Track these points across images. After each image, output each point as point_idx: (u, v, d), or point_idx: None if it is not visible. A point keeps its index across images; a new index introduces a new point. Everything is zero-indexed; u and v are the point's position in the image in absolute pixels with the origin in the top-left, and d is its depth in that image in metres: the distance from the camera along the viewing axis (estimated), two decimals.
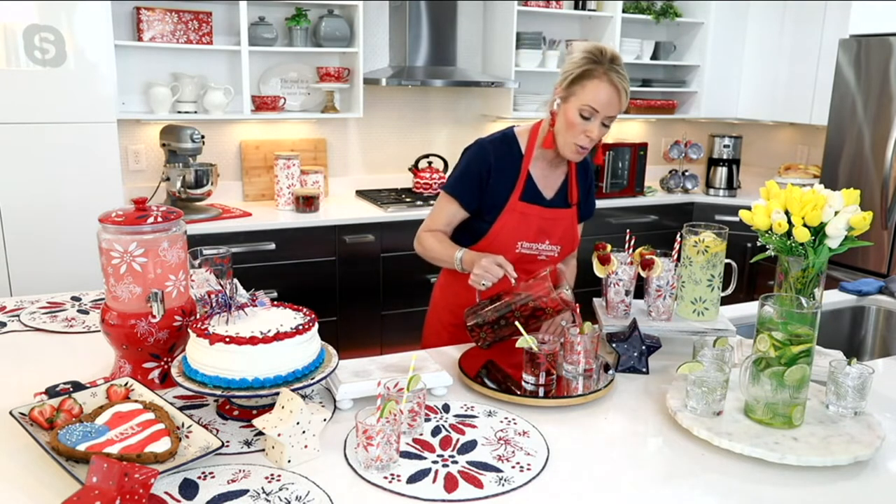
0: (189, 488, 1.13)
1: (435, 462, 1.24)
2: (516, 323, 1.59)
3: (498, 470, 1.22)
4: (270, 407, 1.32)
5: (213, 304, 1.38)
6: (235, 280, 1.91)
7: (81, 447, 1.16)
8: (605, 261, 1.76)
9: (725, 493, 1.19)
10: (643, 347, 1.64)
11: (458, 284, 1.94)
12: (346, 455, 1.26)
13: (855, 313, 2.26)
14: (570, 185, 1.94)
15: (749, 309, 2.04)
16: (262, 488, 1.14)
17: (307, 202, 3.41)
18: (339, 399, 1.42)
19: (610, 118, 1.76)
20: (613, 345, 1.66)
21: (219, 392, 1.29)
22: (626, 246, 1.80)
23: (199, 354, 1.32)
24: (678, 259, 1.75)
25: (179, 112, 3.36)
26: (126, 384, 1.38)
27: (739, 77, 4.30)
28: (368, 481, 1.18)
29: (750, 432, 1.32)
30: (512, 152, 1.89)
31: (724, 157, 4.25)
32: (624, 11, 4.07)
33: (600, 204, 3.93)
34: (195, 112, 3.39)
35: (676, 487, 1.20)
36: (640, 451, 1.32)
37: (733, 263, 1.76)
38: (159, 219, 1.43)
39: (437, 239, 1.90)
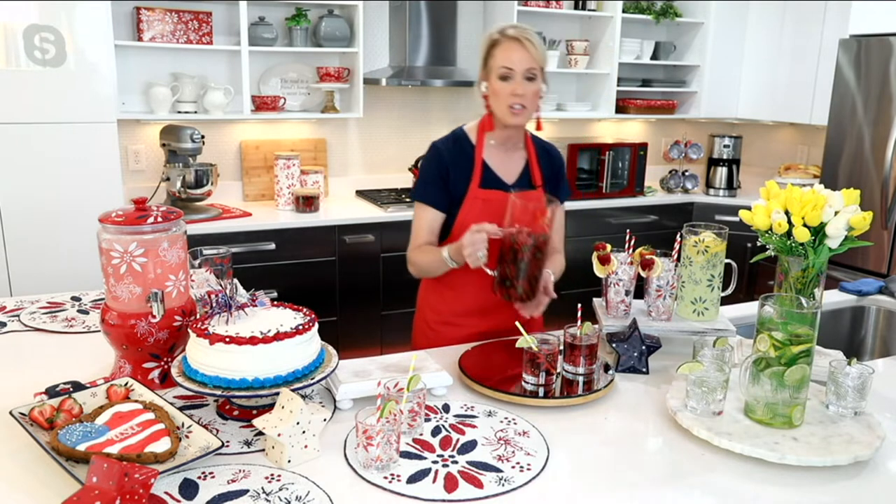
0: (189, 488, 1.14)
1: (435, 462, 1.24)
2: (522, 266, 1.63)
3: (498, 470, 1.22)
4: (270, 407, 1.32)
5: (214, 304, 1.38)
6: (235, 280, 1.91)
7: (81, 447, 1.16)
8: (605, 261, 1.76)
9: (725, 493, 1.19)
10: (643, 347, 1.64)
11: (440, 284, 1.95)
12: (346, 455, 1.26)
13: (855, 313, 2.26)
14: (532, 168, 1.95)
15: (749, 309, 2.04)
16: (262, 488, 1.14)
17: (307, 202, 3.41)
18: (339, 399, 1.42)
19: (530, 70, 1.78)
20: (613, 345, 1.66)
21: (219, 392, 1.29)
22: (626, 246, 1.80)
23: (199, 354, 1.32)
24: (678, 259, 1.75)
25: (179, 112, 3.36)
26: (126, 384, 1.38)
27: (739, 77, 4.30)
28: (368, 481, 1.18)
29: (750, 432, 1.32)
30: (463, 147, 1.92)
31: (724, 157, 4.25)
32: (624, 11, 4.07)
33: (600, 204, 3.94)
34: (195, 112, 3.39)
35: (676, 487, 1.20)
36: (640, 451, 1.32)
37: (733, 263, 1.76)
38: (159, 219, 1.43)
39: (422, 251, 1.89)
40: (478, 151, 1.90)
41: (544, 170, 1.97)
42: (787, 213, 1.49)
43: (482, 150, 1.91)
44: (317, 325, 1.40)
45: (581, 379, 1.55)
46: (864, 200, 1.74)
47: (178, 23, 3.27)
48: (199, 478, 1.17)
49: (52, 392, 1.37)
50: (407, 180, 3.98)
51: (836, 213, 1.46)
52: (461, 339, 1.84)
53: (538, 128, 1.94)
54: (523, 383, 1.52)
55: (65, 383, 1.40)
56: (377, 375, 1.46)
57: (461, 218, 1.88)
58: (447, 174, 1.88)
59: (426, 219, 1.91)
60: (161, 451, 1.16)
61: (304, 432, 1.22)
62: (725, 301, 1.79)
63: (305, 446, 1.22)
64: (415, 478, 1.19)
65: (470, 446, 1.30)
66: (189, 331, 1.35)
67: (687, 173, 4.28)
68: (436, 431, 1.35)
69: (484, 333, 1.87)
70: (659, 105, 4.36)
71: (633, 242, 1.80)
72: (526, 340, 1.50)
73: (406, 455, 1.26)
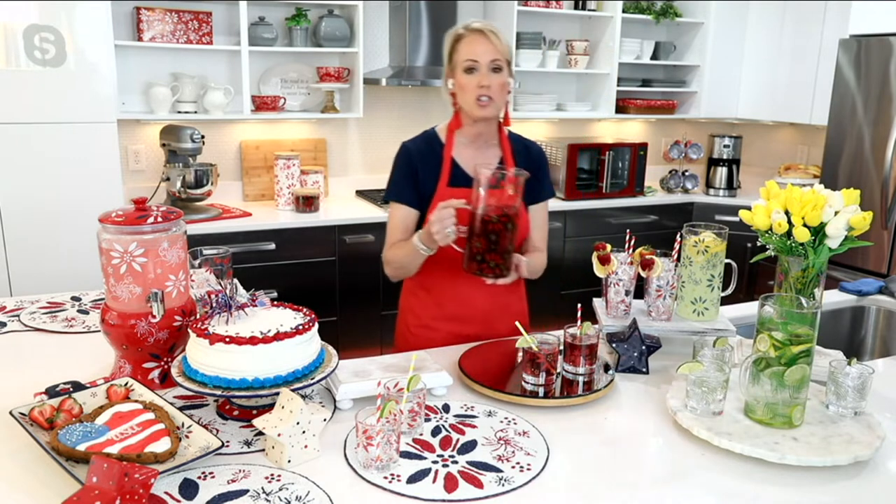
0: (189, 488, 1.14)
1: (435, 462, 1.24)
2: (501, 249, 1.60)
3: (498, 470, 1.22)
4: (270, 407, 1.32)
5: (214, 304, 1.38)
6: (235, 280, 1.91)
7: (81, 447, 1.16)
8: (605, 261, 1.76)
9: (725, 493, 1.19)
10: (643, 347, 1.64)
11: (418, 286, 1.95)
12: (346, 455, 1.26)
13: (855, 313, 2.26)
14: (506, 165, 1.90)
15: (749, 309, 2.04)
16: (262, 488, 1.14)
17: (307, 202, 3.41)
18: (339, 399, 1.41)
19: (495, 62, 1.78)
20: (613, 345, 1.66)
21: (219, 392, 1.29)
22: (626, 246, 1.80)
23: (199, 354, 1.32)
24: (678, 259, 1.75)
25: (179, 112, 3.37)
26: (126, 384, 1.38)
27: (739, 77, 4.30)
28: (368, 481, 1.18)
29: (750, 432, 1.32)
30: (433, 146, 1.90)
31: (724, 157, 4.25)
32: (624, 11, 4.07)
33: (600, 204, 3.94)
34: (195, 112, 3.39)
35: (676, 487, 1.20)
36: (640, 451, 1.32)
37: (733, 263, 1.76)
38: (159, 219, 1.43)
39: (396, 247, 1.87)
40: (447, 150, 1.88)
41: (521, 167, 1.88)
42: (787, 213, 1.49)
43: (451, 148, 1.89)
44: (317, 325, 1.40)
45: (581, 379, 1.55)
46: (864, 200, 1.74)
47: (178, 23, 3.27)
48: (199, 478, 1.17)
49: (52, 392, 1.37)
50: None
51: (836, 213, 1.46)
52: (438, 344, 1.81)
53: (506, 123, 1.92)
54: (523, 383, 1.52)
55: (65, 383, 1.40)
56: (377, 375, 1.46)
57: (428, 217, 1.82)
58: (416, 172, 1.87)
59: (399, 217, 1.89)
60: (161, 451, 1.16)
61: (304, 432, 1.22)
62: (725, 301, 1.79)
63: (305, 446, 1.22)
64: (415, 478, 1.19)
65: (470, 446, 1.30)
66: (189, 331, 1.35)
67: (687, 173, 4.28)
68: (436, 431, 1.35)
69: (460, 339, 1.83)
70: (659, 105, 4.36)
71: (633, 242, 1.80)
72: (526, 340, 1.50)
73: (406, 455, 1.26)
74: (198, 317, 1.49)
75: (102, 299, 1.98)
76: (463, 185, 1.85)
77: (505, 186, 1.62)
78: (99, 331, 1.58)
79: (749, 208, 1.56)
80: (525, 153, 1.95)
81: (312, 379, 1.34)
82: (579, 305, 1.63)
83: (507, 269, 1.67)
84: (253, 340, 1.29)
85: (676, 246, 1.74)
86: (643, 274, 1.75)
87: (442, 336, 1.88)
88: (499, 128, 1.94)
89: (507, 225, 1.62)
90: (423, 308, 1.95)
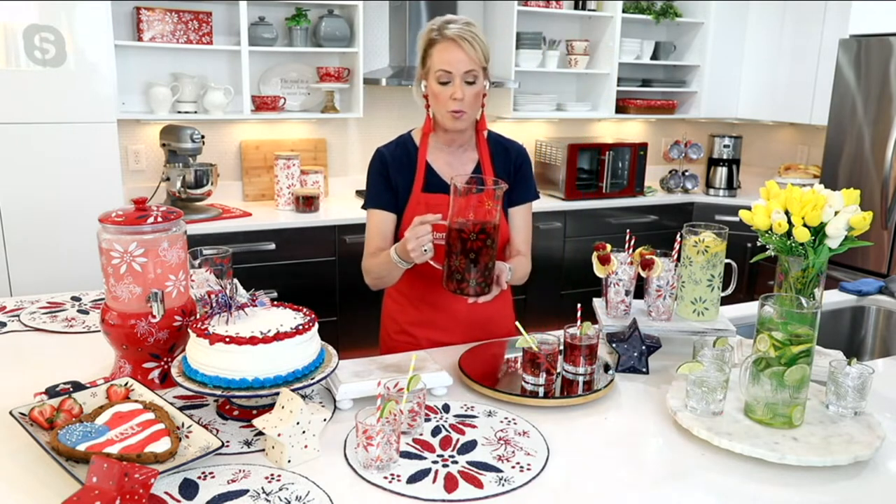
0: (189, 488, 1.13)
1: (435, 462, 1.24)
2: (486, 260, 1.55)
3: (498, 470, 1.22)
4: (270, 407, 1.32)
5: (213, 304, 1.38)
6: (235, 280, 1.91)
7: (81, 447, 1.16)
8: (605, 261, 1.76)
9: (725, 493, 1.19)
10: (643, 347, 1.64)
11: (398, 292, 1.94)
12: (346, 455, 1.26)
13: (855, 313, 2.26)
14: (484, 170, 1.86)
15: (749, 309, 2.04)
16: (262, 488, 1.14)
17: (307, 202, 3.41)
18: (339, 399, 1.42)
19: (469, 73, 1.70)
20: (613, 345, 1.66)
21: (219, 392, 1.29)
22: (626, 246, 1.80)
23: (199, 354, 1.32)
24: (678, 259, 1.75)
25: (179, 112, 3.37)
26: (126, 384, 1.38)
27: (739, 77, 4.31)
28: (368, 481, 1.18)
29: (750, 432, 1.32)
30: (408, 150, 1.86)
31: (724, 157, 4.25)
32: (624, 11, 4.07)
33: (600, 204, 3.94)
34: (195, 112, 3.39)
35: (676, 487, 1.20)
36: (640, 451, 1.32)
37: (733, 263, 1.76)
38: (159, 219, 1.43)
39: (374, 256, 1.81)
40: (421, 154, 1.84)
41: (499, 170, 1.86)
42: (787, 213, 1.49)
43: (426, 152, 1.85)
44: (317, 325, 1.40)
45: (581, 379, 1.55)
46: (864, 200, 1.74)
47: (178, 23, 3.27)
48: (199, 478, 1.17)
49: (52, 392, 1.37)
50: None
51: (836, 213, 1.46)
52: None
53: (482, 127, 1.87)
54: (523, 383, 1.52)
55: (65, 383, 1.40)
56: (377, 375, 1.46)
57: (404, 224, 1.79)
58: (388, 175, 1.83)
59: (375, 223, 1.84)
60: (161, 451, 1.16)
61: (304, 432, 1.22)
62: (725, 301, 1.79)
63: (305, 446, 1.22)
64: (415, 478, 1.19)
65: (470, 446, 1.30)
66: (189, 331, 1.35)
67: (687, 173, 4.28)
68: (436, 431, 1.35)
69: (437, 345, 1.80)
70: (659, 105, 4.36)
71: (633, 242, 1.80)
72: (526, 340, 1.50)
73: (406, 455, 1.26)
74: (198, 317, 1.49)
75: (102, 299, 1.98)
76: (438, 191, 1.81)
77: (484, 201, 1.55)
78: (99, 331, 1.58)
79: (749, 208, 1.56)
80: (504, 154, 1.89)
81: (312, 379, 1.34)
82: (579, 305, 1.62)
83: (488, 286, 1.61)
84: (253, 340, 1.29)
85: (676, 246, 1.74)
86: (643, 274, 1.75)
87: (421, 343, 1.85)
88: (476, 130, 1.88)
89: (487, 241, 1.56)
90: (401, 314, 1.93)
